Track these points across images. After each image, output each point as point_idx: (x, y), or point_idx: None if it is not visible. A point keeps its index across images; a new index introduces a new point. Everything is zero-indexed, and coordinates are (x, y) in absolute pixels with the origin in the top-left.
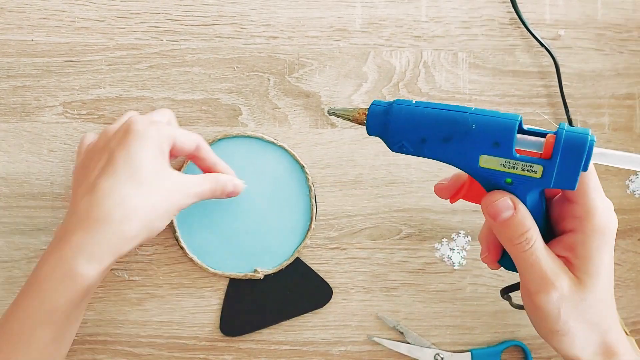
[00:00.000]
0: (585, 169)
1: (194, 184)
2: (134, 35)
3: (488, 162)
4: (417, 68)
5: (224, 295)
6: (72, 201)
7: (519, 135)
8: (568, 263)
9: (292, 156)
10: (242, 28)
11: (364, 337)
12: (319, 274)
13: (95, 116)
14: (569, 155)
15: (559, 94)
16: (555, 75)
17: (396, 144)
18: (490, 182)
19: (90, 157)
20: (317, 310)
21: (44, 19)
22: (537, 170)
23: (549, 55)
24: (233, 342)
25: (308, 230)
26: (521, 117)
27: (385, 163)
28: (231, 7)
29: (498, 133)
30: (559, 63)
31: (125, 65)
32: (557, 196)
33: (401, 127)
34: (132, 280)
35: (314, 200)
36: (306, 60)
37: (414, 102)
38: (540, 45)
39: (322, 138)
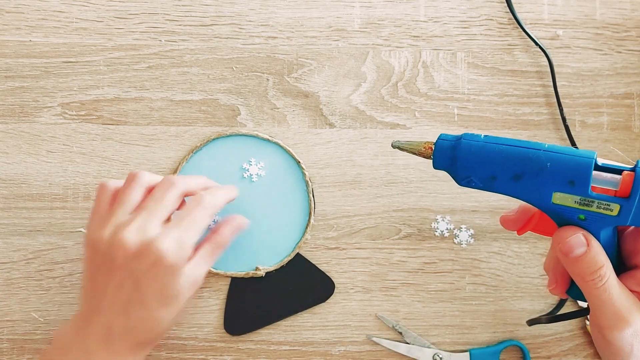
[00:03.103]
0: None
1: (202, 274)
2: (132, 36)
3: (562, 199)
4: (416, 68)
5: (224, 296)
6: (92, 290)
7: (594, 172)
8: None
9: (288, 152)
10: (240, 28)
11: (364, 337)
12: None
13: (94, 117)
14: None
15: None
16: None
17: (464, 179)
18: (563, 218)
19: (117, 266)
20: (316, 310)
21: (42, 19)
22: (614, 209)
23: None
24: (232, 343)
25: (307, 225)
26: (596, 154)
27: (384, 163)
28: (230, 8)
29: (574, 172)
30: (558, 63)
31: (124, 65)
32: (629, 229)
33: (470, 163)
34: None
35: (311, 196)
36: (305, 61)
37: (482, 136)
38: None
39: (320, 138)
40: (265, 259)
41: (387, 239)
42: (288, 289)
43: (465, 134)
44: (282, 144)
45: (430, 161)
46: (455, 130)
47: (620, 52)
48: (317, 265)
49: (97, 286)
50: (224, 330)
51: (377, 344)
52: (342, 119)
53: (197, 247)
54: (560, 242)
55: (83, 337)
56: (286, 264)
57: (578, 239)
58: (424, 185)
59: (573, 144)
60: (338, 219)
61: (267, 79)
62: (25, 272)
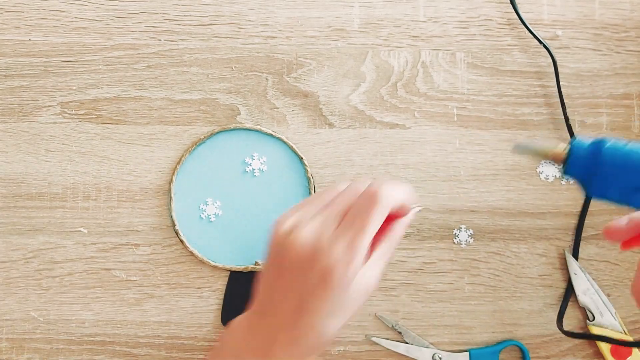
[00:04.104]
0: None
1: (376, 278)
2: (131, 35)
3: None
4: (415, 68)
5: (222, 293)
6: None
7: None
8: None
9: (291, 148)
10: (240, 28)
11: (363, 337)
12: None
13: (93, 116)
14: None
15: (557, 93)
16: (554, 75)
17: (599, 190)
18: None
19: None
20: None
21: (41, 18)
22: None
23: (547, 55)
24: None
25: None
26: None
27: (384, 163)
28: (229, 7)
29: None
30: (557, 63)
31: (123, 65)
32: None
33: (614, 171)
34: (130, 280)
35: (313, 192)
36: (304, 60)
37: (624, 140)
38: (538, 45)
39: (320, 138)
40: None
41: None
42: None
43: (605, 139)
44: (285, 139)
45: (429, 161)
46: (455, 130)
47: (619, 53)
48: None
49: (268, 284)
50: (223, 330)
51: (377, 343)
52: (342, 119)
53: (372, 247)
54: None
55: (249, 339)
56: None
57: None
58: (423, 185)
59: None
60: None
61: (267, 79)
62: (25, 272)
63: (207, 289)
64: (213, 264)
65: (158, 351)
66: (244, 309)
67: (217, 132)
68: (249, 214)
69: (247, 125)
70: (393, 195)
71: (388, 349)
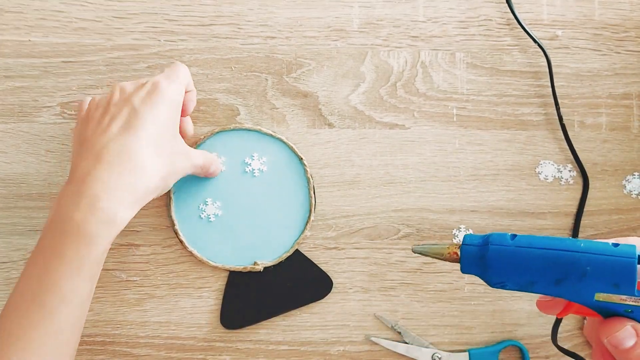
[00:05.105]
0: None
1: (195, 156)
2: (131, 36)
3: (606, 298)
4: (415, 68)
5: (222, 293)
6: (84, 146)
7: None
8: None
9: (291, 148)
10: (239, 28)
11: (362, 337)
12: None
13: None
14: None
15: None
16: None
17: (497, 284)
18: (608, 311)
19: (103, 108)
20: (315, 310)
21: (41, 19)
22: None
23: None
24: (231, 342)
25: (307, 222)
26: (636, 249)
27: (383, 163)
28: (229, 8)
29: (617, 275)
30: (557, 63)
31: (123, 65)
32: None
33: (502, 270)
34: (130, 280)
35: (312, 192)
36: (304, 61)
37: (509, 236)
38: (537, 45)
39: (319, 138)
40: (264, 254)
41: (386, 238)
42: (286, 284)
43: (492, 236)
44: (285, 139)
45: (429, 161)
46: (455, 130)
47: (619, 53)
48: (316, 264)
49: (89, 124)
50: (223, 330)
51: (376, 343)
52: (341, 119)
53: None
54: (609, 335)
55: (69, 190)
56: (285, 259)
57: (627, 332)
58: (422, 185)
59: (570, 144)
60: (337, 218)
61: (266, 79)
62: None
63: (206, 289)
64: (213, 264)
65: (158, 351)
66: (243, 308)
67: (217, 132)
68: (249, 214)
69: (247, 126)
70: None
71: (388, 349)
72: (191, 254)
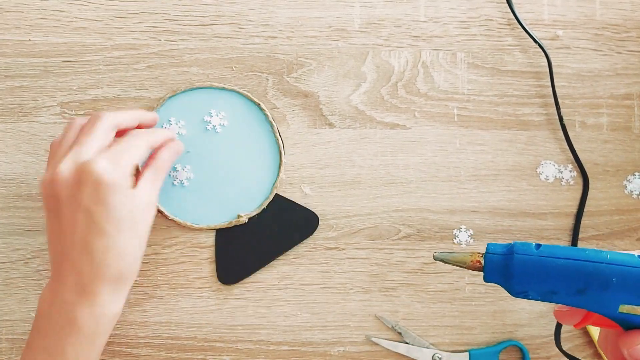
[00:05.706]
0: None
1: (152, 196)
2: (132, 35)
3: (630, 310)
4: (416, 68)
5: (223, 295)
6: (64, 245)
7: None
8: None
9: (247, 97)
10: (240, 28)
11: (363, 338)
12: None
13: None
14: None
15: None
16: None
17: (520, 293)
18: (630, 323)
19: (63, 202)
20: (315, 310)
21: (41, 19)
22: None
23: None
24: (231, 342)
25: (280, 165)
26: None
27: (384, 163)
28: (230, 7)
29: None
30: (558, 63)
31: (123, 65)
32: None
33: (526, 280)
34: None
35: (278, 135)
36: (305, 60)
37: (534, 245)
38: (537, 46)
39: (320, 138)
40: (246, 205)
41: (387, 239)
42: (273, 230)
43: (516, 245)
44: (238, 89)
45: (429, 161)
46: (456, 131)
47: (620, 53)
48: (315, 267)
49: (55, 233)
50: (223, 330)
51: (377, 344)
52: (342, 119)
53: (139, 175)
54: (630, 347)
55: (60, 292)
56: (267, 206)
57: None
58: (423, 185)
59: (570, 144)
60: (337, 219)
61: (267, 79)
62: (24, 272)
63: (207, 289)
64: (197, 226)
65: (158, 351)
66: (238, 262)
67: (169, 97)
68: (221, 170)
69: (197, 84)
70: (114, 114)
71: (388, 350)
72: (174, 222)
